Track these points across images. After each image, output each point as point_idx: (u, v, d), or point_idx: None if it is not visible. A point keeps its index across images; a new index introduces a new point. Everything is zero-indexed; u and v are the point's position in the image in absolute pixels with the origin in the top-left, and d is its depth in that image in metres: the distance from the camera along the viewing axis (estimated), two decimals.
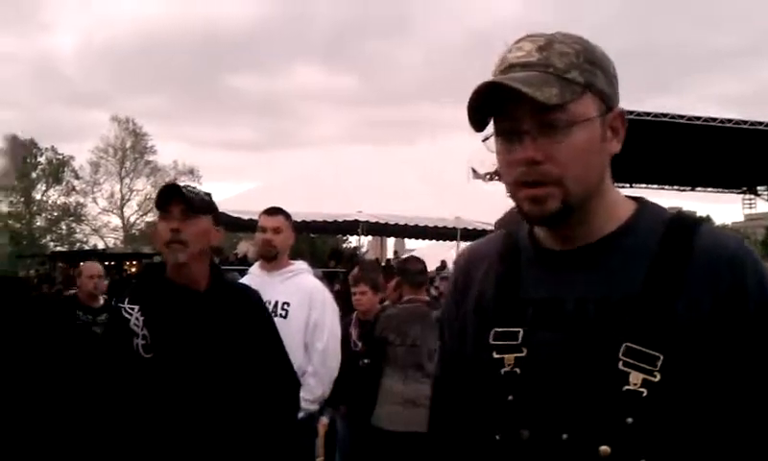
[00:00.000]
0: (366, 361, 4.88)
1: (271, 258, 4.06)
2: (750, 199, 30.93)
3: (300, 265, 4.19)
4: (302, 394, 3.88)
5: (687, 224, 1.26)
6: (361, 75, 73.82)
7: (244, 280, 4.20)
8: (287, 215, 4.12)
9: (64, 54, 69.43)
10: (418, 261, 5.10)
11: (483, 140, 1.32)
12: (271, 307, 3.93)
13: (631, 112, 15.75)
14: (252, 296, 2.90)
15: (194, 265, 2.61)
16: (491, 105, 1.22)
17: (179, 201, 2.56)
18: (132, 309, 2.55)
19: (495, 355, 1.28)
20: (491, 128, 1.27)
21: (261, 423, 2.62)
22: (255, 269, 4.19)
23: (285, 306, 3.92)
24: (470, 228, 21.51)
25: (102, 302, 6.36)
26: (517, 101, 1.18)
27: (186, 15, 67.73)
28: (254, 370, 2.63)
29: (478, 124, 1.25)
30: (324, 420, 5.35)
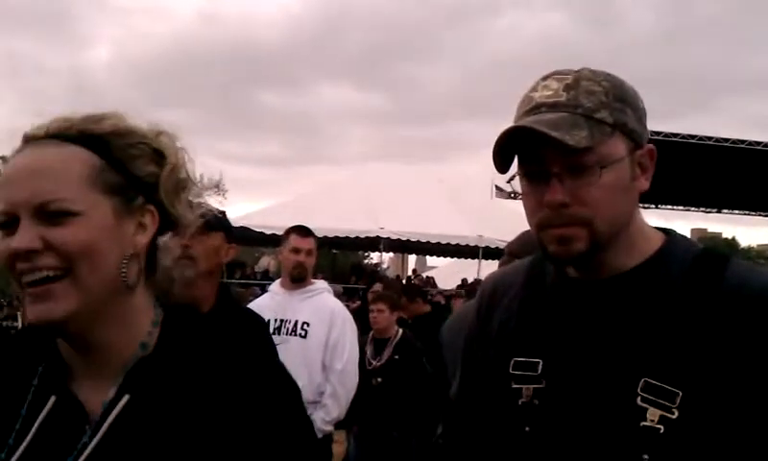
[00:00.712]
0: (379, 380, 4.88)
1: (300, 279, 4.01)
2: None
3: (321, 284, 4.16)
4: (320, 415, 3.81)
5: (716, 259, 1.23)
6: (390, 94, 74.46)
7: (264, 297, 4.18)
8: (314, 235, 4.09)
9: (98, 68, 70.69)
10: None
11: (507, 181, 1.30)
12: (291, 326, 3.88)
13: (659, 133, 15.67)
14: (258, 323, 2.83)
15: (201, 283, 2.55)
16: (517, 146, 1.19)
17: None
18: None
19: (514, 385, 1.27)
20: (514, 167, 1.24)
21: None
22: (276, 287, 4.15)
23: (305, 326, 3.88)
24: (493, 246, 21.41)
25: None
26: (545, 144, 1.15)
27: (216, 32, 68.73)
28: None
29: (503, 166, 1.22)
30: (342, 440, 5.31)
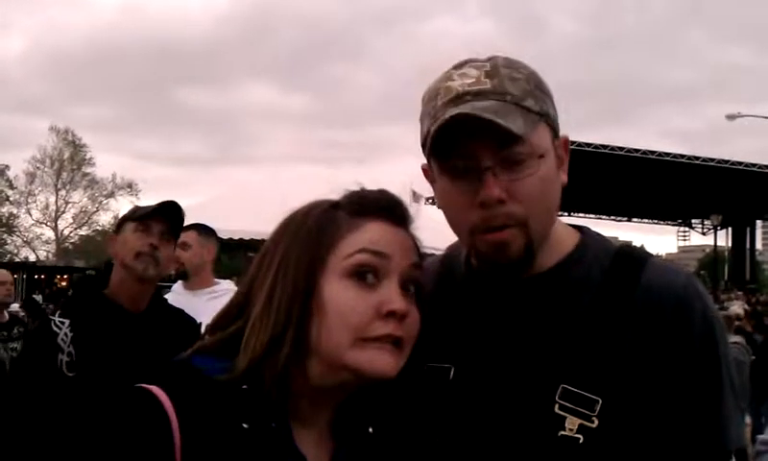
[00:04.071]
0: None
1: (180, 276, 3.92)
2: (684, 231, 31.84)
3: (227, 285, 4.01)
4: None
5: (634, 258, 1.17)
6: (314, 96, 74.03)
7: (167, 297, 3.99)
8: (204, 231, 3.94)
9: (10, 59, 67.81)
10: None
11: (424, 170, 1.20)
12: None
13: (573, 143, 16.04)
14: (188, 320, 2.90)
15: (150, 286, 2.62)
16: (442, 140, 1.09)
17: (164, 220, 2.60)
18: (63, 323, 2.46)
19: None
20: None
21: None
22: (178, 287, 4.00)
23: None
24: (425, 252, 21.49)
25: (7, 317, 5.80)
26: (478, 135, 1.05)
27: (140, 27, 66.96)
28: None
29: (440, 157, 1.13)
30: None
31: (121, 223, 2.69)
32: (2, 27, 70.40)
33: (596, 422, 1.06)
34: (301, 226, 1.09)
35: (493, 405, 1.12)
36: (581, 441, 1.06)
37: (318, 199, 1.14)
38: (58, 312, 2.54)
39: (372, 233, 1.06)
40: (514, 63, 1.13)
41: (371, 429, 1.13)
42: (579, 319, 1.11)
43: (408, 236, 1.11)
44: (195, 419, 0.97)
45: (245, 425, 1.00)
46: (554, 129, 1.14)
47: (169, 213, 2.64)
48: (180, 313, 2.93)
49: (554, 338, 1.12)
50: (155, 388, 0.99)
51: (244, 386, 1.02)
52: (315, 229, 1.08)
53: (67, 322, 2.45)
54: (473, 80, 1.10)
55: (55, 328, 2.44)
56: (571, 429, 1.07)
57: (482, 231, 1.11)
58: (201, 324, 3.68)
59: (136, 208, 2.77)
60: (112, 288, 2.58)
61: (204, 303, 3.79)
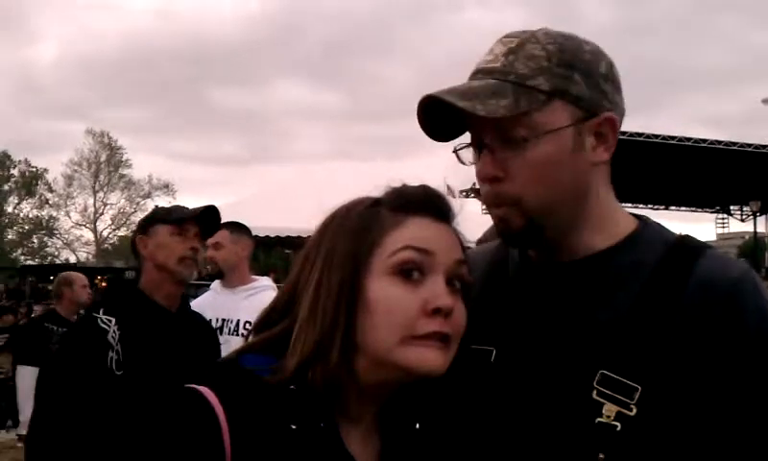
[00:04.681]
0: None
1: (216, 275, 3.95)
2: (723, 218, 31.25)
3: (264, 282, 4.04)
4: None
5: (690, 248, 1.14)
6: (347, 91, 74.00)
7: (206, 296, 4.06)
8: (236, 229, 3.94)
9: (45, 64, 68.89)
10: None
11: (454, 150, 1.21)
12: (233, 326, 3.77)
13: None
14: (204, 320, 2.97)
15: (183, 286, 2.67)
16: (431, 118, 1.13)
17: (198, 223, 2.63)
18: (110, 321, 2.44)
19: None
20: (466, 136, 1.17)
21: None
22: (217, 285, 4.03)
23: (247, 325, 3.77)
24: None
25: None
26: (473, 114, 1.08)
27: (171, 29, 67.58)
28: None
29: (440, 134, 1.16)
30: None
31: (150, 223, 2.66)
32: (39, 35, 71.50)
33: (634, 410, 1.04)
34: (344, 223, 1.09)
35: (531, 389, 1.12)
36: (618, 428, 1.04)
37: (360, 196, 1.13)
38: (101, 310, 2.51)
39: (415, 229, 1.06)
40: (548, 37, 1.12)
41: (417, 425, 1.14)
42: (624, 305, 1.09)
43: (451, 231, 1.11)
44: (244, 420, 0.98)
45: (293, 426, 1.00)
46: (582, 107, 1.11)
47: (205, 217, 2.66)
48: (197, 313, 2.99)
49: (596, 323, 1.10)
50: (204, 389, 0.99)
51: (292, 387, 1.02)
52: (358, 226, 1.07)
53: (113, 319, 2.44)
54: (492, 57, 1.12)
55: (103, 326, 2.42)
56: (608, 416, 1.04)
57: (489, 204, 1.14)
58: (239, 321, 3.76)
59: (168, 210, 2.76)
60: (147, 288, 2.59)
61: (243, 300, 3.84)
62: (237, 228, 3.95)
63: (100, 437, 2.14)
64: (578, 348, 1.10)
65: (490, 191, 1.13)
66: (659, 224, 1.21)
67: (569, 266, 1.16)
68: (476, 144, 1.14)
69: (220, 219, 2.76)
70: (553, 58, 1.10)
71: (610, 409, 1.05)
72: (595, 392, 1.06)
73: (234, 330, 3.73)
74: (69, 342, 2.63)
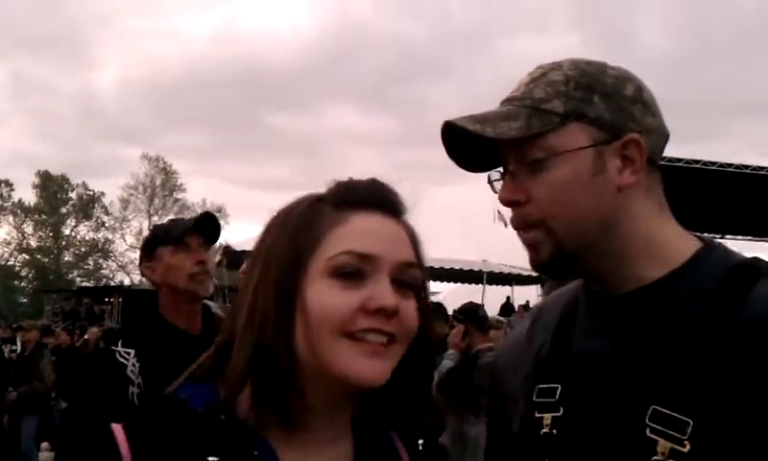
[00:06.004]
0: None
1: None
2: None
3: None
4: None
5: (750, 271, 1.08)
6: (398, 116, 74.39)
7: None
8: None
9: (105, 89, 70.87)
10: (479, 306, 4.95)
11: (489, 181, 1.21)
12: None
13: (663, 158, 15.59)
14: None
15: (200, 302, 2.55)
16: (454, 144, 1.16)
17: (200, 233, 2.51)
18: (129, 354, 2.37)
19: (537, 414, 1.17)
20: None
21: None
22: None
23: None
24: (497, 271, 21.25)
25: None
26: (496, 140, 1.10)
27: (229, 56, 68.94)
28: None
29: (473, 164, 1.19)
30: None
31: (152, 248, 2.56)
32: (99, 62, 73.74)
33: (688, 446, 1.00)
34: (286, 222, 1.01)
35: (592, 426, 1.10)
36: None
37: (305, 194, 1.05)
38: (120, 341, 2.41)
39: (357, 227, 0.98)
40: (570, 64, 1.13)
41: (420, 443, 1.09)
42: (675, 335, 1.06)
43: (400, 227, 1.02)
44: (153, 456, 0.93)
45: (211, 459, 0.93)
46: (602, 129, 1.09)
47: (203, 226, 2.56)
48: None
49: (648, 356, 1.07)
50: (115, 426, 0.95)
51: (221, 416, 0.95)
52: (298, 224, 0.99)
53: (132, 352, 2.37)
54: (517, 86, 1.15)
55: (121, 360, 2.35)
56: (663, 454, 1.01)
57: (517, 231, 1.15)
58: None
59: (166, 228, 2.66)
60: (165, 313, 2.51)
61: None
62: None
63: None
64: (630, 384, 1.07)
65: (515, 215, 1.14)
66: (725, 247, 1.17)
67: (620, 300, 1.13)
68: (504, 172, 1.16)
69: (218, 224, 2.62)
70: (571, 82, 1.10)
71: (664, 446, 1.02)
72: (648, 429, 1.03)
73: None
74: (87, 381, 2.55)
